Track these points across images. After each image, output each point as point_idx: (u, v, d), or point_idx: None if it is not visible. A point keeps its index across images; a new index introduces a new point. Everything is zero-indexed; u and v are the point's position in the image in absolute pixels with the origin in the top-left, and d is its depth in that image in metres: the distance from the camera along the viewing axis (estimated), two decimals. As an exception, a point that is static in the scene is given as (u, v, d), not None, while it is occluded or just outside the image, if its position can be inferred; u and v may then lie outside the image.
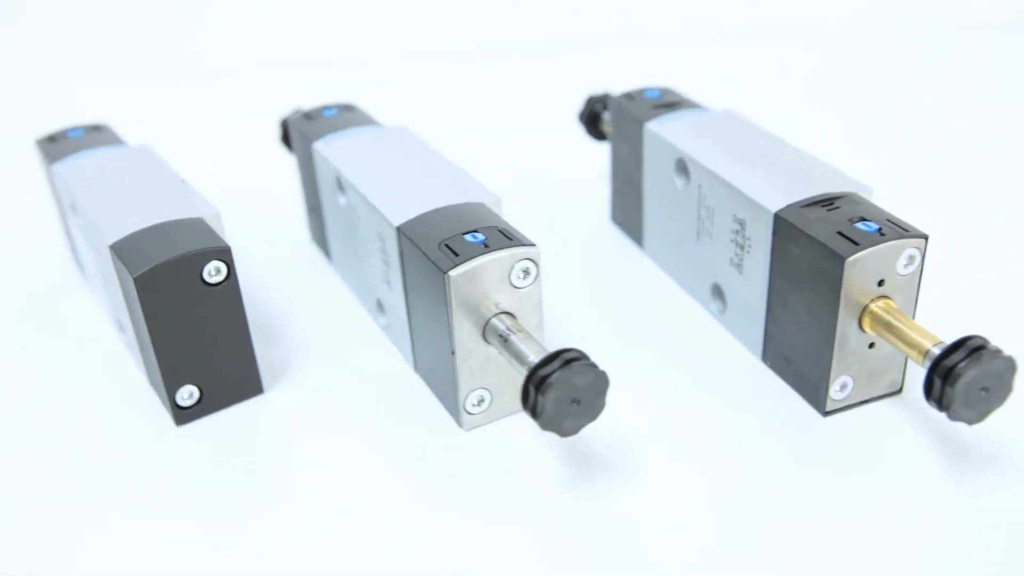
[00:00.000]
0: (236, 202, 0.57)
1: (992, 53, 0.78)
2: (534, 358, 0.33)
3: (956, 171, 0.58)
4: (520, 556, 0.32)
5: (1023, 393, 0.34)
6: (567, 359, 0.31)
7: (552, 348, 0.33)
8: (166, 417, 0.39)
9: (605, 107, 0.53)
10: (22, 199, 0.57)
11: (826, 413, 0.37)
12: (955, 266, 0.47)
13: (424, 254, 0.35)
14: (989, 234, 0.50)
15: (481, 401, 0.37)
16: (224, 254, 0.37)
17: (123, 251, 0.37)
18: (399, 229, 0.37)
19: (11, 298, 0.48)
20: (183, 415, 0.38)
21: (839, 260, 0.34)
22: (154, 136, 0.58)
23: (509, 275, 0.35)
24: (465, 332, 0.35)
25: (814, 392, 0.37)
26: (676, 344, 0.42)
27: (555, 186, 0.57)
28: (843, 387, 0.37)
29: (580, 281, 0.48)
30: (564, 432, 0.32)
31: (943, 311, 0.41)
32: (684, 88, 0.54)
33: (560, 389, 0.31)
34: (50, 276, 0.50)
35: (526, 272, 0.35)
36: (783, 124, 0.54)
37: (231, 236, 0.52)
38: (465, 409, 0.37)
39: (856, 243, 0.34)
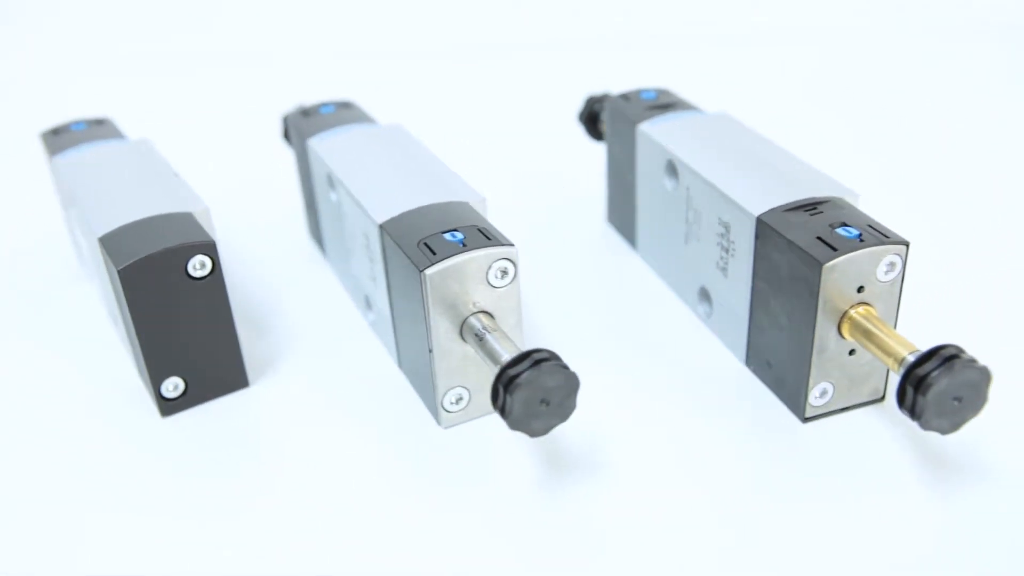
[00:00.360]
0: (239, 197, 0.58)
1: (992, 55, 0.77)
2: (506, 357, 0.33)
3: (955, 175, 0.57)
4: (490, 553, 0.32)
5: (1000, 403, 0.34)
6: (537, 359, 0.31)
7: (535, 348, 0.32)
8: (153, 408, 0.39)
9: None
10: (31, 191, 0.58)
11: (806, 419, 0.37)
12: (951, 272, 0.46)
13: (403, 252, 0.35)
14: (987, 239, 0.49)
15: (460, 399, 0.37)
16: (209, 248, 0.37)
17: (110, 243, 0.37)
18: (381, 227, 0.37)
19: (13, 289, 0.49)
20: (168, 406, 0.39)
21: (816, 265, 0.33)
22: (163, 131, 0.59)
23: (487, 274, 0.35)
24: (442, 330, 0.35)
25: (794, 398, 0.37)
26: (662, 346, 0.42)
27: (554, 186, 0.57)
28: (823, 393, 0.36)
29: (572, 281, 0.48)
30: (533, 432, 0.32)
31: (934, 319, 0.41)
32: (687, 90, 0.54)
33: (528, 389, 0.31)
34: (52, 268, 0.51)
35: (504, 272, 0.35)
36: (785, 127, 0.54)
37: (233, 230, 0.53)
38: (443, 407, 0.37)
39: (834, 248, 0.34)
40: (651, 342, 0.42)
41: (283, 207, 0.55)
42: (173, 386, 0.39)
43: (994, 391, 0.32)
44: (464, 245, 0.35)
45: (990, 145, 0.61)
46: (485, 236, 0.35)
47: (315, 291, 0.47)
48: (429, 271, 0.34)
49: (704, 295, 0.42)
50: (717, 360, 0.41)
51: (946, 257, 0.48)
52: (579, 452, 0.36)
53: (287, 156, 0.57)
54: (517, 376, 0.31)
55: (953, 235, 0.50)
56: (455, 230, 0.36)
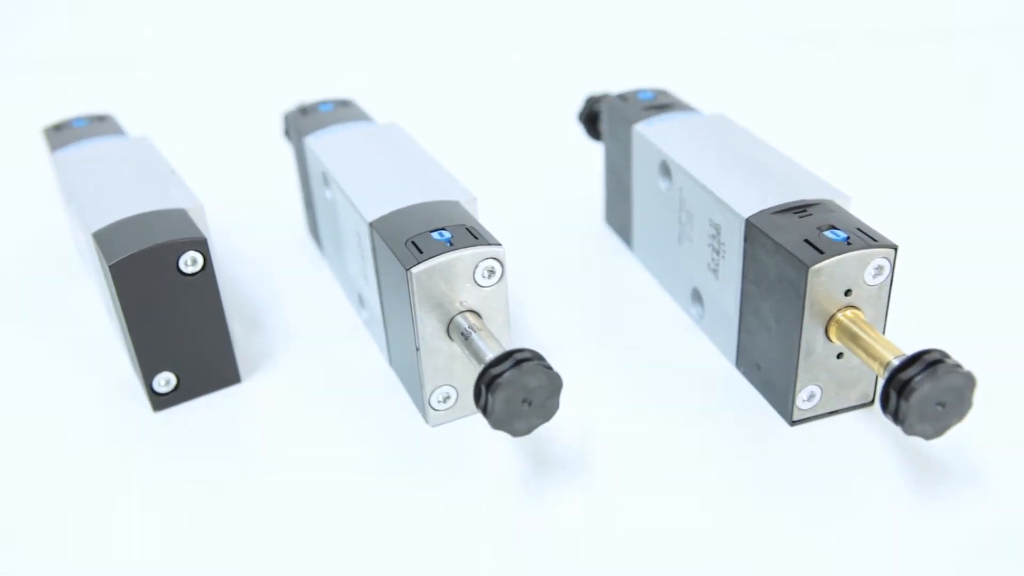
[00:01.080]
0: (240, 194, 0.58)
1: (992, 56, 0.76)
2: (490, 357, 0.33)
3: (953, 178, 0.57)
4: (478, 551, 0.32)
5: (988, 408, 0.34)
6: (519, 359, 0.31)
7: (518, 348, 0.32)
8: (146, 402, 0.40)
9: (604, 107, 0.53)
10: (34, 186, 0.59)
11: (793, 422, 0.37)
12: (949, 275, 0.46)
13: (391, 250, 0.35)
14: (984, 243, 0.49)
15: (447, 398, 0.37)
16: (200, 245, 0.37)
17: (103, 239, 0.37)
18: (371, 225, 0.37)
19: (13, 283, 0.50)
20: (160, 401, 0.39)
21: (803, 268, 0.33)
22: (165, 128, 0.59)
23: (473, 274, 0.35)
24: (429, 329, 0.35)
25: (782, 401, 0.37)
26: (654, 348, 0.42)
27: (553, 186, 0.57)
28: (811, 396, 0.36)
29: (568, 281, 0.48)
30: (515, 432, 0.32)
31: (927, 323, 0.41)
32: (687, 90, 0.54)
33: (510, 389, 0.31)
34: (53, 262, 0.51)
35: (491, 272, 0.35)
36: (784, 128, 0.53)
37: (233, 227, 0.54)
38: (431, 405, 0.37)
39: (821, 251, 0.33)
40: (644, 343, 0.42)
41: (283, 205, 0.55)
42: (165, 381, 0.39)
43: (981, 396, 0.32)
44: (451, 244, 0.35)
45: (989, 147, 0.61)
46: (473, 235, 0.35)
47: (312, 288, 0.48)
48: (415, 270, 0.34)
49: (696, 296, 0.42)
50: (709, 362, 0.41)
51: (944, 260, 0.47)
52: (568, 452, 0.36)
53: (288, 154, 0.57)
54: (499, 376, 0.31)
55: (951, 238, 0.49)
56: (443, 229, 0.36)
